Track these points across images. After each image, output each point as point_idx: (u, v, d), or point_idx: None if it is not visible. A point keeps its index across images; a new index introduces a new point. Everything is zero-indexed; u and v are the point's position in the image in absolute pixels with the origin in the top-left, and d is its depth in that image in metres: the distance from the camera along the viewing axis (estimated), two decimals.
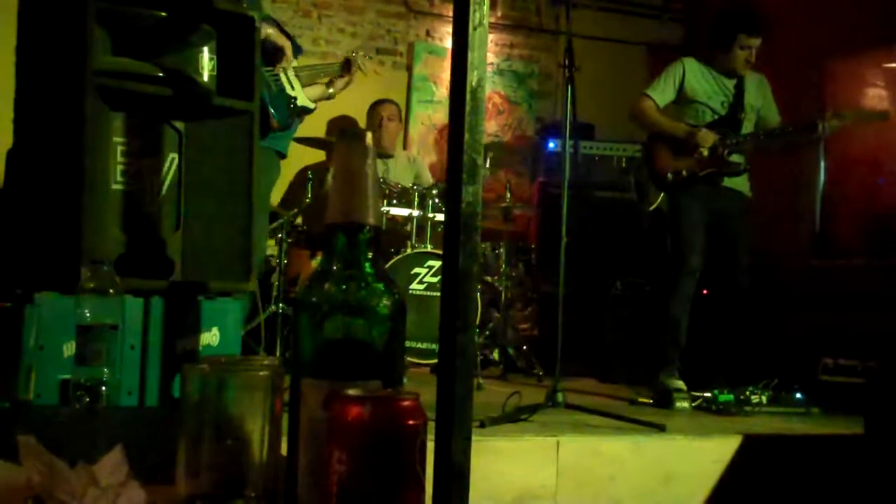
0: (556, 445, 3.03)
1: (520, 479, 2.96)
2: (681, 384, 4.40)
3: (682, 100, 4.81)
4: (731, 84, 4.80)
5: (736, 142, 4.64)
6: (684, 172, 4.66)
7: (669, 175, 4.69)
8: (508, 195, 5.65)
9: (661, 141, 4.78)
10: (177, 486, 0.97)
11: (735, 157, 4.67)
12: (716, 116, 4.74)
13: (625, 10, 7.44)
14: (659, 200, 4.73)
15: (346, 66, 4.88)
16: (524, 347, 5.66)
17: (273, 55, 3.99)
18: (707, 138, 4.59)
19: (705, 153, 4.60)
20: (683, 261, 4.56)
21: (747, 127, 4.77)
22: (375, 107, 6.07)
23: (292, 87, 4.18)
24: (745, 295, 4.69)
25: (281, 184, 5.90)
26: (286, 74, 4.15)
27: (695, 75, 4.79)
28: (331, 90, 4.79)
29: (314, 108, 4.43)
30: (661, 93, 4.79)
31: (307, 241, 5.30)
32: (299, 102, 4.21)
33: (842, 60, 5.94)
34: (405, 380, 3.55)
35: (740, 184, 4.75)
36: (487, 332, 5.44)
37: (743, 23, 4.72)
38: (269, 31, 3.91)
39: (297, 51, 4.39)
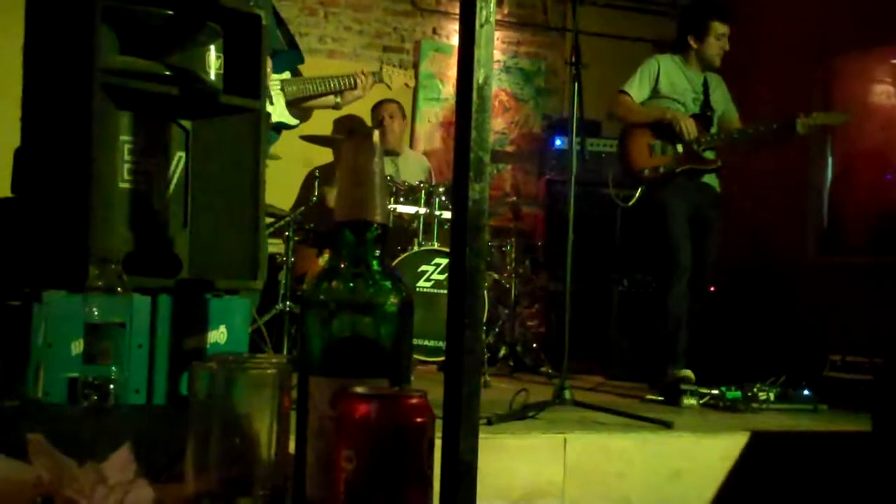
0: (563, 442, 3.03)
1: (527, 476, 2.97)
2: (688, 373, 4.41)
3: (657, 96, 4.83)
4: (699, 80, 4.84)
5: (711, 138, 4.68)
6: (661, 168, 4.67)
7: (646, 171, 4.70)
8: (515, 196, 5.68)
9: (635, 136, 4.79)
10: (185, 484, 0.98)
11: (708, 154, 4.71)
12: (689, 114, 4.77)
13: (631, 6, 7.43)
14: (637, 195, 4.74)
15: (353, 83, 4.92)
16: (534, 345, 5.66)
17: None
18: (691, 128, 4.60)
19: (692, 136, 4.61)
20: (675, 259, 4.58)
21: (714, 124, 4.82)
22: (377, 107, 6.12)
23: (271, 103, 4.18)
24: (706, 291, 4.70)
25: (292, 184, 5.93)
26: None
27: (668, 72, 4.82)
28: (338, 100, 4.84)
29: (296, 125, 4.45)
30: (638, 89, 4.81)
31: (314, 239, 5.30)
32: (274, 119, 4.22)
33: (847, 58, 5.93)
34: (412, 377, 3.55)
35: (712, 179, 4.81)
36: (496, 330, 5.45)
37: (716, 10, 4.74)
38: None
39: (297, 59, 4.39)
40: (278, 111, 4.27)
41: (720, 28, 4.70)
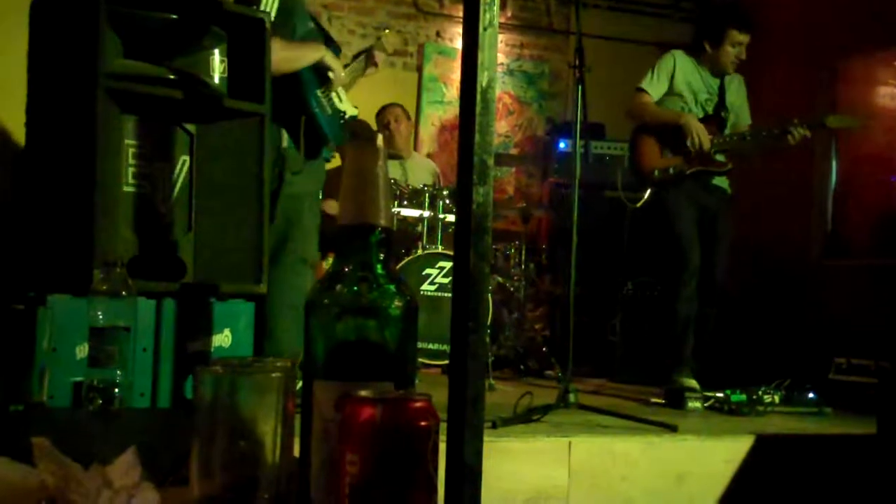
0: (568, 446, 3.02)
1: (532, 479, 2.96)
2: (694, 383, 4.38)
3: (670, 93, 4.76)
4: (715, 83, 4.77)
5: (723, 141, 4.63)
6: (671, 170, 4.64)
7: (656, 172, 4.67)
8: (523, 200, 5.69)
9: (647, 137, 4.75)
10: (190, 487, 0.97)
11: (719, 157, 4.67)
12: (701, 114, 4.71)
13: (635, 9, 7.43)
14: (646, 197, 4.71)
15: (370, 57, 4.84)
16: (543, 349, 5.66)
17: (326, 76, 3.93)
18: (703, 137, 4.54)
19: (702, 145, 4.56)
20: (685, 260, 4.53)
21: (727, 126, 4.76)
22: (382, 111, 6.10)
23: (340, 100, 4.16)
24: (717, 295, 4.66)
25: None
26: (336, 90, 4.13)
27: (684, 68, 4.75)
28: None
29: (357, 114, 4.40)
30: (656, 86, 4.73)
31: (319, 242, 5.30)
32: (348, 115, 4.19)
33: (853, 60, 5.93)
34: (417, 381, 3.55)
35: (723, 181, 4.76)
36: (506, 333, 5.45)
37: (734, 18, 4.66)
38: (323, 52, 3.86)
39: (337, 52, 4.37)
40: (348, 107, 4.22)
41: (738, 36, 4.61)
